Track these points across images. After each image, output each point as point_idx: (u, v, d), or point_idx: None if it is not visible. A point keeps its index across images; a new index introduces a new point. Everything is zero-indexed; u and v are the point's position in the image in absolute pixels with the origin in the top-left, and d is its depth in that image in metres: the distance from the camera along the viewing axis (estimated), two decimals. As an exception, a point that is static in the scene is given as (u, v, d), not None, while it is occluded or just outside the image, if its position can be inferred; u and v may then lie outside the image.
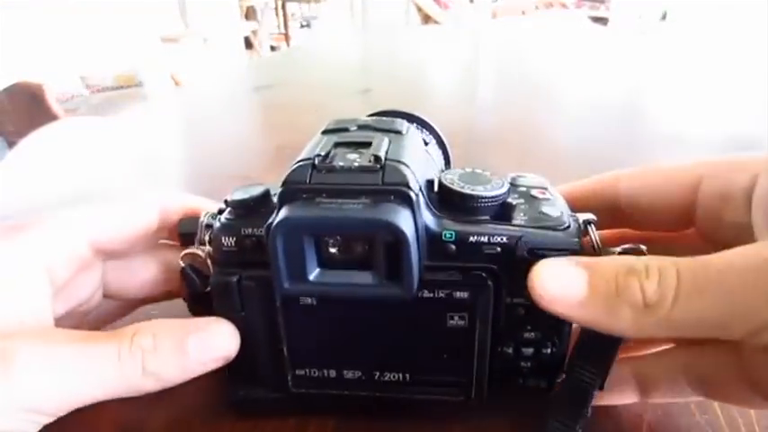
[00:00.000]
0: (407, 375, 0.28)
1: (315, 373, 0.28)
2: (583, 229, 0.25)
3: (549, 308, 0.22)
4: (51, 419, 0.24)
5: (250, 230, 0.25)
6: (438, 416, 0.28)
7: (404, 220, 0.22)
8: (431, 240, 0.24)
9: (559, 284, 0.22)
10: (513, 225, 0.25)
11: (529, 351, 0.26)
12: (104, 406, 0.24)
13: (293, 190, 0.23)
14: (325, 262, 0.24)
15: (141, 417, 0.29)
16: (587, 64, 1.23)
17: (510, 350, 0.26)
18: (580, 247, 0.24)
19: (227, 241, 0.26)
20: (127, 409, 0.28)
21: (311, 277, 0.24)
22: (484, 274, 0.25)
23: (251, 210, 0.26)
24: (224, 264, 0.26)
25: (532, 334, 0.26)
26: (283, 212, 0.23)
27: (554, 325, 0.26)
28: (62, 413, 0.24)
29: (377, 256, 0.23)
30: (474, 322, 0.26)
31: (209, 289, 0.27)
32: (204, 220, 0.28)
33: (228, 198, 0.27)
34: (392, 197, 0.23)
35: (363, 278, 0.24)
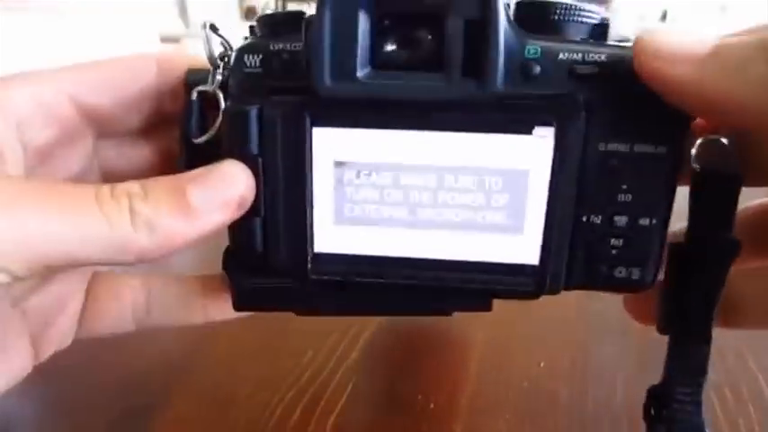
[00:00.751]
0: (462, 255, 0.21)
1: (338, 255, 0.22)
2: None
3: (662, 69, 0.17)
4: (20, 279, 0.18)
5: (281, 46, 0.20)
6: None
7: None
8: (509, 59, 0.19)
9: (678, 39, 0.17)
10: (612, 45, 0.20)
11: (622, 220, 0.20)
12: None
13: None
14: (380, 63, 0.19)
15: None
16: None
17: (598, 219, 0.20)
18: None
19: (251, 60, 0.20)
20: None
21: (361, 74, 0.19)
22: (575, 99, 0.19)
23: (283, 27, 0.20)
24: (243, 91, 0.21)
25: (629, 196, 0.20)
26: None
27: (656, 186, 0.20)
28: (32, 272, 0.18)
29: (450, 49, 0.19)
30: (558, 171, 0.20)
31: (207, 137, 0.21)
32: (219, 52, 0.22)
33: (254, 20, 0.21)
34: None
35: (430, 78, 0.19)
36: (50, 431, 0.24)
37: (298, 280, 0.22)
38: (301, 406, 0.30)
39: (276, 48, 0.20)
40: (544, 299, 0.21)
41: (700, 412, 0.21)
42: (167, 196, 0.19)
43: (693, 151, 0.19)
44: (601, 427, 0.28)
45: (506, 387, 0.31)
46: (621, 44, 0.19)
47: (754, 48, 0.16)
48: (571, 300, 0.38)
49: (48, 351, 0.24)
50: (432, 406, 0.29)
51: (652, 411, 0.22)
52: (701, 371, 0.21)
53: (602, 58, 0.19)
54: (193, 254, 0.24)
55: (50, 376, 0.32)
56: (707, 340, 0.20)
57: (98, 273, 0.25)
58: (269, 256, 0.22)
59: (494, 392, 0.30)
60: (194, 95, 0.22)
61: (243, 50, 0.20)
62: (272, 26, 0.21)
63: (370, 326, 0.37)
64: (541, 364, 0.33)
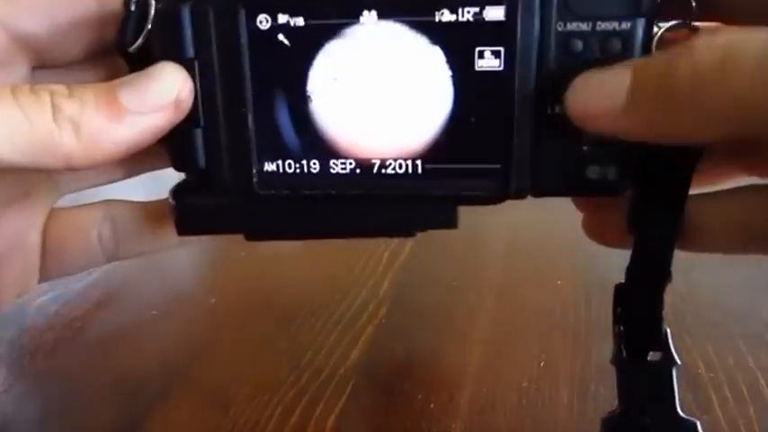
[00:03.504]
0: (418, 163, 0.20)
1: (291, 166, 0.20)
2: None
3: (587, 125, 0.17)
4: None
5: None
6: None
7: None
8: None
9: (596, 93, 0.17)
10: None
11: None
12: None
13: None
14: None
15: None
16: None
17: (563, 110, 0.18)
18: None
19: None
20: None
21: None
22: None
23: None
24: None
25: None
26: None
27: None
28: None
29: None
30: (512, 60, 0.18)
31: (140, 41, 0.20)
32: None
33: None
34: None
35: None
36: (50, 431, 0.24)
37: (243, 197, 0.20)
38: (301, 406, 0.30)
39: None
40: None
41: (659, 311, 0.20)
42: (95, 95, 0.18)
43: (657, 37, 0.18)
44: (601, 427, 0.28)
45: (506, 387, 0.31)
46: None
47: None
48: (572, 300, 0.38)
49: (9, 294, 0.23)
50: (432, 406, 0.29)
51: (618, 308, 0.21)
52: (664, 269, 0.20)
53: None
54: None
55: (50, 376, 0.32)
56: (671, 241, 0.20)
57: (56, 209, 0.24)
58: (211, 172, 0.20)
59: (494, 392, 0.30)
60: (131, 5, 0.20)
61: None
62: None
63: (370, 326, 0.37)
64: (541, 364, 0.33)
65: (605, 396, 0.30)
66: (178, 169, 0.21)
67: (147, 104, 0.18)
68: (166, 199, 0.22)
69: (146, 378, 0.32)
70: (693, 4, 0.18)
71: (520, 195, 0.19)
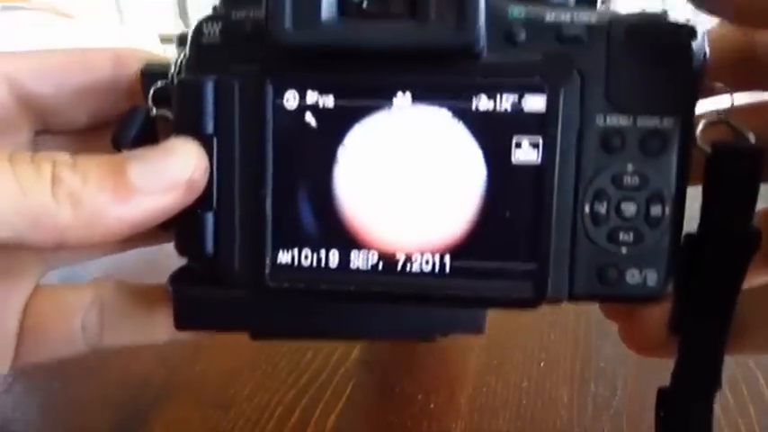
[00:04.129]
0: (446, 259, 0.18)
1: (307, 256, 0.18)
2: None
3: None
4: None
5: (244, 14, 0.18)
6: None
7: None
8: (492, 21, 0.17)
9: None
10: (603, 10, 0.18)
11: (630, 209, 0.17)
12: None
13: None
14: (348, 9, 0.17)
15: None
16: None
17: (603, 208, 0.17)
18: (694, 35, 0.17)
19: (210, 30, 0.18)
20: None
21: (325, 18, 0.17)
22: (568, 61, 0.17)
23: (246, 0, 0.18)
24: (199, 63, 0.18)
25: (636, 179, 0.17)
26: None
27: (667, 167, 0.17)
28: None
29: None
30: (551, 153, 0.17)
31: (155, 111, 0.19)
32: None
33: None
34: None
35: (402, 25, 0.17)
36: (50, 431, 0.24)
37: (253, 289, 0.19)
38: (301, 406, 0.30)
39: (238, 17, 0.18)
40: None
41: (708, 423, 0.19)
42: (101, 169, 0.16)
43: (699, 133, 0.17)
44: (601, 427, 0.28)
45: (506, 387, 0.31)
46: (613, 11, 0.18)
47: None
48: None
49: None
50: (432, 406, 0.29)
51: (662, 413, 0.20)
52: (713, 376, 0.18)
53: (593, 20, 0.17)
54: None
55: (51, 377, 0.32)
56: (721, 346, 0.18)
57: (40, 287, 0.22)
58: (220, 261, 0.18)
59: (494, 392, 0.30)
60: (147, 70, 0.19)
61: (202, 21, 0.18)
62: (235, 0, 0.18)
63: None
64: (542, 364, 0.32)
65: (605, 396, 0.30)
66: (182, 254, 0.19)
67: (157, 184, 0.17)
68: (161, 285, 0.20)
69: (146, 378, 0.32)
70: (733, 101, 0.18)
71: (556, 300, 0.18)
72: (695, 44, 0.17)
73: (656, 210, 0.17)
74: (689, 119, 0.17)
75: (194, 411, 0.29)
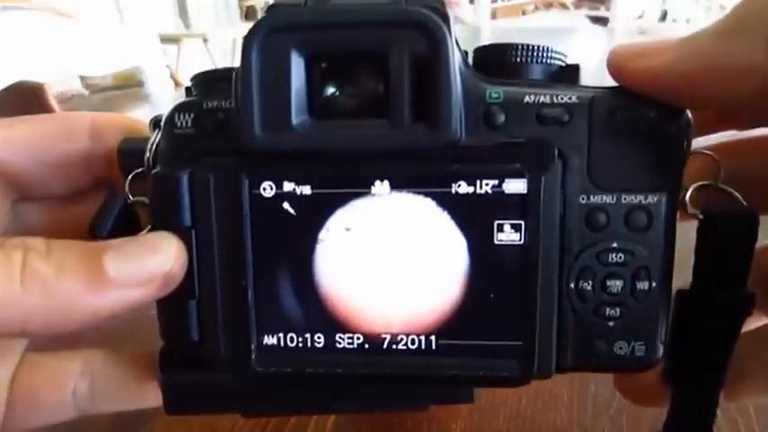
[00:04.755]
0: (432, 338, 0.18)
1: (293, 340, 0.19)
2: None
3: (637, 66, 0.16)
4: None
5: (215, 103, 0.18)
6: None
7: (441, 26, 0.16)
8: (468, 105, 0.17)
9: (646, 43, 0.17)
10: (583, 87, 0.18)
11: (616, 285, 0.17)
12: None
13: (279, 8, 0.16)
14: (320, 110, 0.17)
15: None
16: (587, 64, 1.23)
17: (588, 285, 0.17)
18: (680, 119, 0.17)
19: (182, 120, 0.18)
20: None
21: (297, 122, 0.16)
22: (548, 145, 0.17)
23: (220, 84, 0.18)
24: (173, 154, 0.18)
25: (620, 256, 0.17)
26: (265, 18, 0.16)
27: (653, 242, 0.17)
28: None
29: (395, 89, 0.16)
30: (534, 234, 0.17)
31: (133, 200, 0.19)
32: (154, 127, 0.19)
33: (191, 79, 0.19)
34: (424, 9, 0.16)
35: (375, 125, 0.16)
36: (50, 431, 0.24)
37: (240, 374, 0.19)
38: (301, 406, 0.30)
39: (209, 106, 0.18)
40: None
41: None
42: (78, 260, 0.16)
43: (688, 199, 0.17)
44: (601, 427, 0.28)
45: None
46: (593, 87, 0.18)
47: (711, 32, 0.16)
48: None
49: None
50: (432, 406, 0.29)
51: None
52: (706, 428, 0.18)
53: (574, 99, 0.17)
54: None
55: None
56: (713, 399, 0.18)
57: (29, 355, 0.21)
58: (205, 347, 0.18)
59: (494, 393, 0.30)
60: (125, 149, 0.19)
61: (174, 110, 0.18)
62: (208, 84, 0.19)
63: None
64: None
65: (605, 396, 0.30)
66: (168, 342, 0.19)
67: (134, 278, 0.16)
68: (150, 353, 0.20)
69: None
70: (722, 171, 0.17)
71: (544, 375, 0.18)
72: (682, 120, 0.17)
73: (642, 284, 0.17)
74: (675, 192, 0.17)
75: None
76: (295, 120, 0.16)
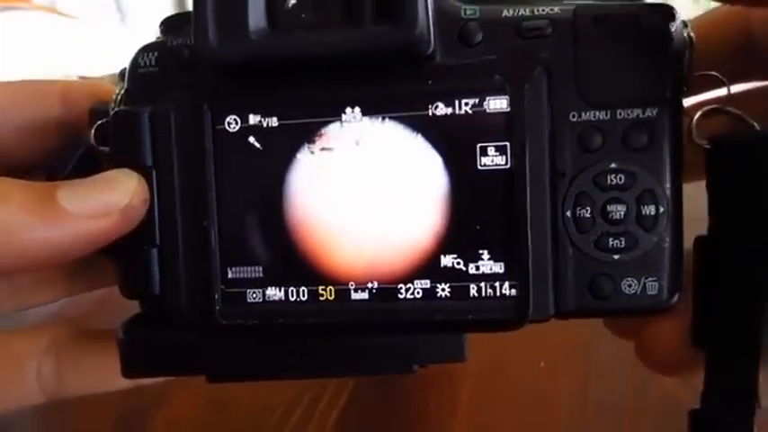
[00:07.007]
0: (415, 283, 0.16)
1: (261, 287, 0.17)
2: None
3: None
4: None
5: (179, 41, 0.17)
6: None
7: None
8: (444, 24, 0.15)
9: None
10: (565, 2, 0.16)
11: (619, 211, 0.15)
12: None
13: None
14: (277, 19, 0.16)
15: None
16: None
17: (587, 212, 0.15)
18: (672, 18, 0.15)
19: (146, 59, 0.17)
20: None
21: (253, 30, 0.15)
22: (530, 56, 0.15)
23: (187, 27, 0.16)
24: (135, 93, 0.17)
25: (620, 177, 0.15)
26: None
27: (656, 161, 0.15)
28: None
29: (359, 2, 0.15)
30: (521, 156, 0.15)
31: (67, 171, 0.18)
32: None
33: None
34: None
35: (336, 30, 0.15)
36: (50, 431, 0.24)
37: (203, 329, 0.17)
38: (302, 406, 0.30)
39: (174, 43, 0.17)
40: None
41: None
42: (27, 191, 0.15)
43: (694, 127, 0.15)
44: (601, 427, 0.28)
45: (506, 387, 0.31)
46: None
47: None
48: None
49: None
50: (432, 406, 0.29)
51: None
52: (749, 393, 0.15)
53: (556, 10, 0.15)
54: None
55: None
56: (755, 357, 0.15)
57: None
58: (167, 300, 0.17)
59: (494, 392, 0.30)
60: (96, 109, 0.18)
61: (138, 51, 0.17)
62: (176, 26, 0.18)
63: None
64: (541, 364, 0.33)
65: (605, 396, 0.30)
66: (126, 295, 0.18)
67: (89, 209, 0.15)
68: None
69: (146, 378, 0.32)
70: (728, 88, 0.16)
71: (541, 319, 0.16)
72: (674, 25, 0.15)
73: (648, 210, 0.15)
74: (676, 105, 0.15)
75: (195, 411, 0.29)
76: (252, 28, 0.15)
